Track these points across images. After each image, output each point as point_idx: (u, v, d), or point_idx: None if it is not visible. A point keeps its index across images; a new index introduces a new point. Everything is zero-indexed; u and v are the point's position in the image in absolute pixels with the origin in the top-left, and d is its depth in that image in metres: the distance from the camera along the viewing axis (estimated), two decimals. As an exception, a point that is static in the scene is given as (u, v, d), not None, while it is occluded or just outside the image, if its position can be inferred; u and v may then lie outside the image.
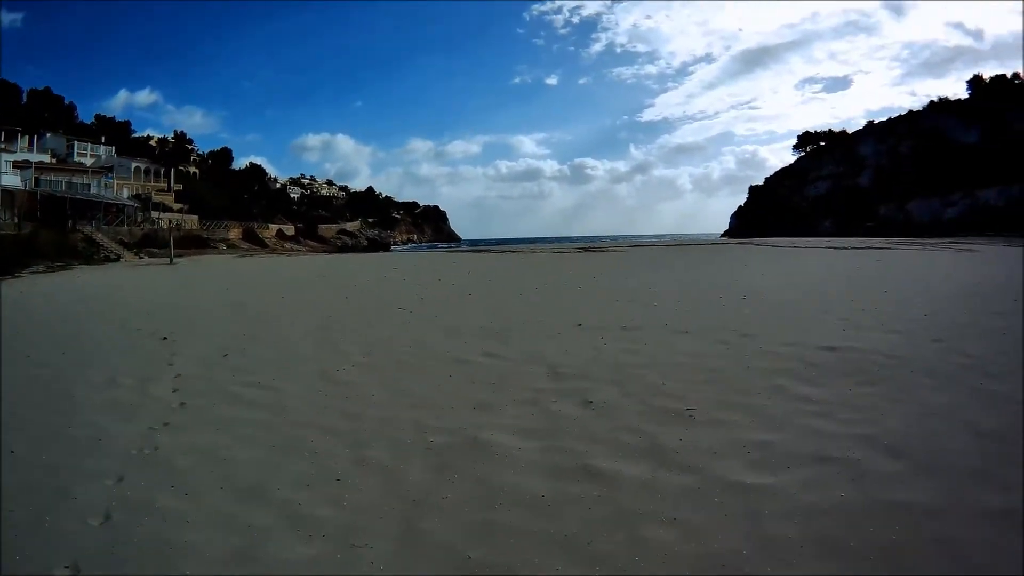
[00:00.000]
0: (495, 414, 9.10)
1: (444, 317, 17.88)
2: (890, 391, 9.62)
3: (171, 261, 51.80)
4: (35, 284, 32.09)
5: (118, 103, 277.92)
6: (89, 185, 75.67)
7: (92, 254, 56.95)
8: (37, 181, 68.96)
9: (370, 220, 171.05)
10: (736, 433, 8.10)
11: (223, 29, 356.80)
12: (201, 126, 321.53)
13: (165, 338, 15.54)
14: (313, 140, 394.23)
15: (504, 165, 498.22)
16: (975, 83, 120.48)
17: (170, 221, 78.58)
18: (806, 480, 6.66)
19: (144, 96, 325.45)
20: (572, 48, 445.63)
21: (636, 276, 30.17)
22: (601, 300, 20.67)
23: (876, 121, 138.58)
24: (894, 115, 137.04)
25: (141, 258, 60.11)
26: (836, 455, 7.29)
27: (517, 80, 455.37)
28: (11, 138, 74.95)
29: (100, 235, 62.98)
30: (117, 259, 57.23)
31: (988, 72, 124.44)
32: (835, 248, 52.43)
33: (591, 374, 11.08)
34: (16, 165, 67.35)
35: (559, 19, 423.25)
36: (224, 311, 20.81)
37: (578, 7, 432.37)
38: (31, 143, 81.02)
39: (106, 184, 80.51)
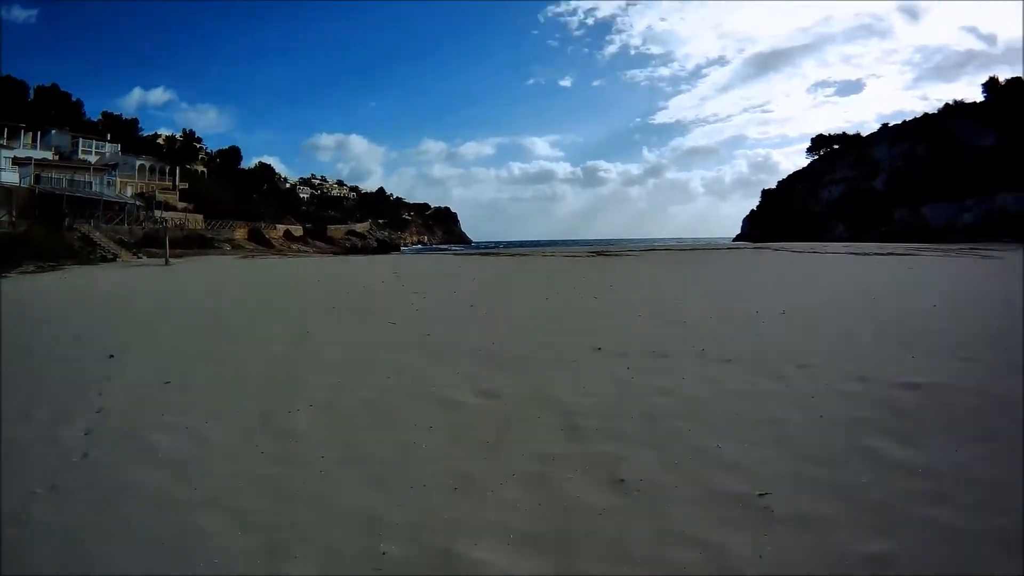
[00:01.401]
0: (484, 501, 6.25)
1: (438, 335, 15.00)
2: (1003, 451, 7.08)
3: (166, 262, 49.43)
4: (13, 286, 29.35)
5: (132, 101, 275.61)
6: (91, 183, 73.82)
7: (88, 253, 54.75)
8: (38, 178, 66.91)
9: (380, 221, 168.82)
10: (835, 538, 5.36)
11: (238, 27, 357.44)
12: (215, 124, 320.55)
13: (112, 356, 13.19)
14: (327, 140, 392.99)
15: (517, 167, 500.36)
16: (990, 86, 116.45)
17: (165, 221, 75.85)
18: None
19: (158, 94, 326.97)
20: (586, 50, 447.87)
21: (657, 285, 27.27)
22: (621, 315, 17.84)
23: (891, 124, 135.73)
24: (906, 119, 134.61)
25: (139, 258, 57.86)
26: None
27: (531, 81, 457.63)
28: (14, 135, 73.13)
29: (98, 234, 60.87)
30: (114, 259, 55.01)
31: (1001, 75, 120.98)
32: (857, 254, 48.92)
33: (619, 428, 8.26)
34: (16, 162, 65.48)
35: (574, 20, 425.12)
36: (195, 321, 18.53)
37: (593, 8, 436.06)
38: (35, 140, 79.65)
39: (108, 182, 78.94)
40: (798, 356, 11.87)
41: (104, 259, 54.15)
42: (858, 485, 6.36)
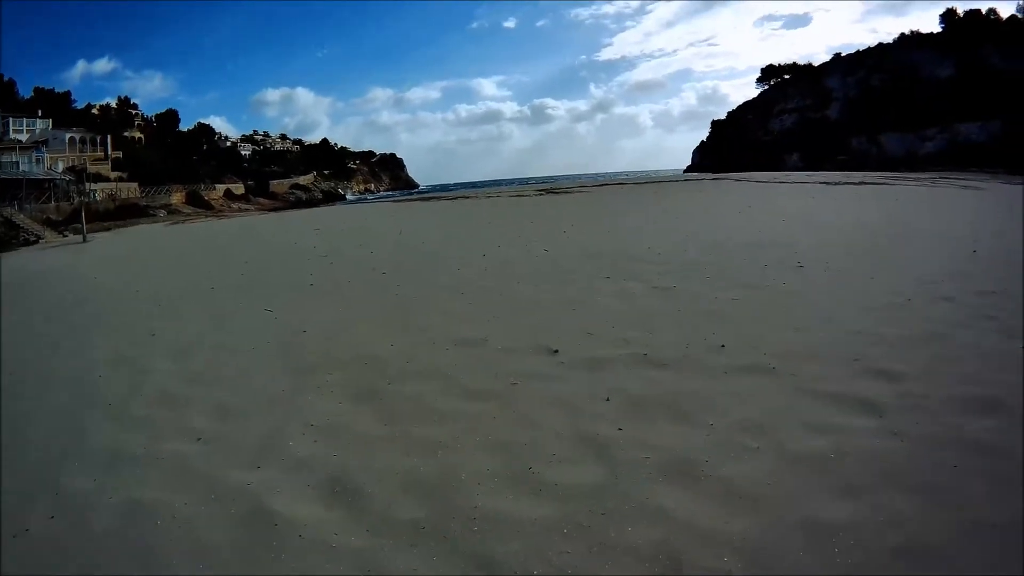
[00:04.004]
0: None
1: (317, 331, 10.13)
2: None
3: (84, 239, 43.56)
4: None
5: (76, 74, 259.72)
6: (18, 163, 67.72)
7: (10, 238, 49.03)
8: (-39, 165, 60.92)
9: (325, 172, 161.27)
10: None
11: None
12: (160, 89, 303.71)
13: None
14: (272, 95, 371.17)
15: (464, 109, 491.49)
16: (948, 17, 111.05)
17: (93, 193, 69.99)
18: None
19: (103, 65, 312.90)
20: None
21: (621, 228, 21.57)
22: (584, 279, 12.66)
23: (844, 54, 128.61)
24: (855, 50, 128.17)
25: (64, 236, 52.13)
26: None
27: (475, 24, 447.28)
28: (-66, 125, 67.67)
29: (21, 216, 55.11)
30: (36, 241, 49.26)
31: (955, 7, 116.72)
32: (828, 184, 43.35)
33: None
34: (-71, 153, 59.81)
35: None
36: (38, 326, 13.25)
37: None
38: (-42, 126, 73.96)
39: (37, 159, 72.50)
40: (868, 353, 7.33)
41: (27, 242, 48.60)
42: None
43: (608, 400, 6.44)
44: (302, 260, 18.59)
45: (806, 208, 26.08)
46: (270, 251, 22.22)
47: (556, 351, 8.07)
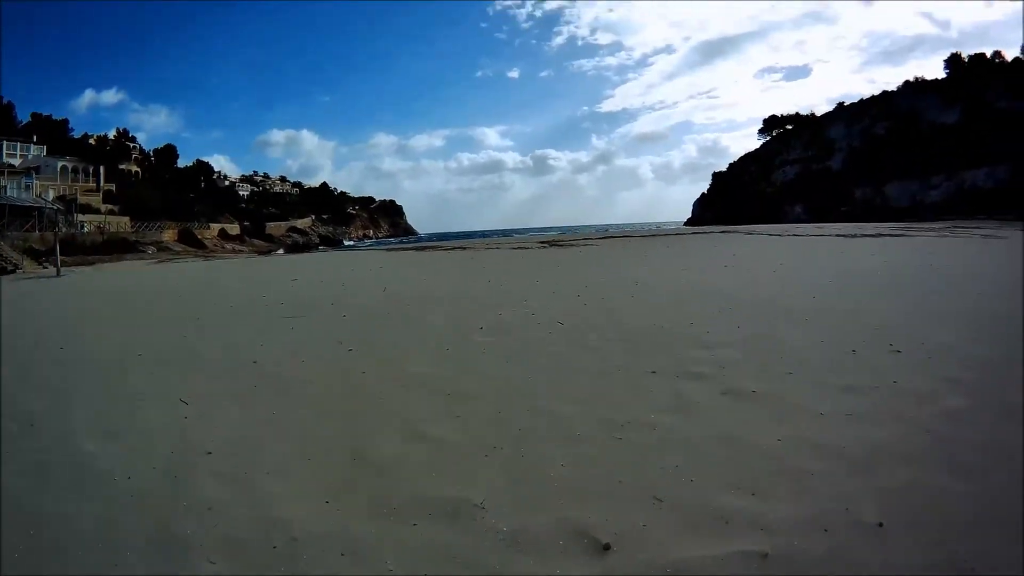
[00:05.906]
0: None
1: (225, 452, 6.72)
2: None
3: (58, 272, 40.51)
4: None
5: (82, 103, 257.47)
6: (5, 187, 65.15)
7: (-12, 266, 46.54)
8: (-52, 188, 58.89)
9: (324, 216, 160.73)
10: None
11: (193, 25, 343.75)
12: (166, 124, 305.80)
13: None
14: (277, 136, 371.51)
15: (466, 158, 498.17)
16: (953, 62, 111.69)
17: (82, 225, 67.25)
18: None
19: (111, 96, 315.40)
20: (534, 41, 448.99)
21: (646, 293, 17.36)
22: (621, 375, 9.04)
23: (847, 103, 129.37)
24: (856, 100, 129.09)
25: (44, 267, 49.49)
26: None
27: (479, 74, 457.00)
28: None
29: (1, 243, 52.18)
30: (13, 270, 46.62)
31: (960, 51, 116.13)
32: (844, 236, 40.50)
33: None
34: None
35: (522, 13, 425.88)
36: None
37: (541, 1, 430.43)
38: (-53, 148, 72.26)
39: (26, 186, 69.82)
40: None
41: (3, 270, 46.05)
42: None
43: None
44: (260, 322, 15.30)
45: (846, 265, 22.95)
46: (232, 306, 18.96)
47: (607, 546, 4.48)
